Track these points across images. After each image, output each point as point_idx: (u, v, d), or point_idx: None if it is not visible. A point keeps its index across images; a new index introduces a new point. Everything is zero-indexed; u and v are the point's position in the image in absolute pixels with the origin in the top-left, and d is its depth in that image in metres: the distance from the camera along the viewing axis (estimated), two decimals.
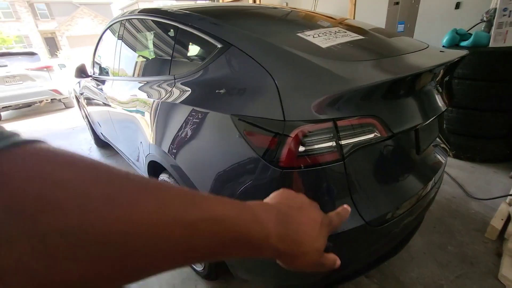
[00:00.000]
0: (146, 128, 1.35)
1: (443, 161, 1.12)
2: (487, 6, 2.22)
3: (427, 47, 1.13)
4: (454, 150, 2.28)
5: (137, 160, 1.71)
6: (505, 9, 1.87)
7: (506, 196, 1.62)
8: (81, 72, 2.41)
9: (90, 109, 2.71)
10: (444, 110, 1.03)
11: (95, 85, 2.31)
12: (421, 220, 1.22)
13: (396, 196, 0.90)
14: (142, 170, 1.66)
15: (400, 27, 3.36)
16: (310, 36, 0.98)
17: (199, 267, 1.27)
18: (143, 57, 1.71)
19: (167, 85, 1.23)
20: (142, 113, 1.38)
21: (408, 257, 1.37)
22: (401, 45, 1.10)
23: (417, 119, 0.90)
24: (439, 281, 1.24)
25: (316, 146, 0.73)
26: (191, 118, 0.99)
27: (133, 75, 1.69)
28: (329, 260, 0.35)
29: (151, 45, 1.58)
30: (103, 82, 2.15)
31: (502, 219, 1.47)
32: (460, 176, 2.04)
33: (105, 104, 2.03)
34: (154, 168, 1.38)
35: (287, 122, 0.72)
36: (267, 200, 0.35)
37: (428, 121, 0.96)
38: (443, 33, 2.27)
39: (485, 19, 2.07)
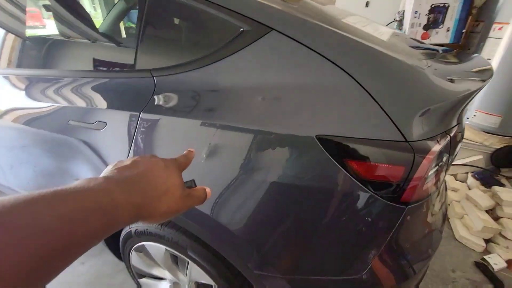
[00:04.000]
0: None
1: None
2: (393, 6, 2.60)
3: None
4: None
5: None
6: (415, 12, 2.22)
7: None
8: None
9: None
10: None
11: None
12: None
13: None
14: None
15: None
16: (356, 23, 0.79)
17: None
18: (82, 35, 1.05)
19: (135, 83, 0.77)
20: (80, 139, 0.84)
21: None
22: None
23: None
24: None
25: (435, 168, 0.59)
26: (221, 141, 0.64)
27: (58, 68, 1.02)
28: (199, 191, 0.37)
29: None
30: None
31: None
32: None
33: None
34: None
35: (413, 143, 0.54)
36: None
37: None
38: None
39: (397, 18, 2.41)
